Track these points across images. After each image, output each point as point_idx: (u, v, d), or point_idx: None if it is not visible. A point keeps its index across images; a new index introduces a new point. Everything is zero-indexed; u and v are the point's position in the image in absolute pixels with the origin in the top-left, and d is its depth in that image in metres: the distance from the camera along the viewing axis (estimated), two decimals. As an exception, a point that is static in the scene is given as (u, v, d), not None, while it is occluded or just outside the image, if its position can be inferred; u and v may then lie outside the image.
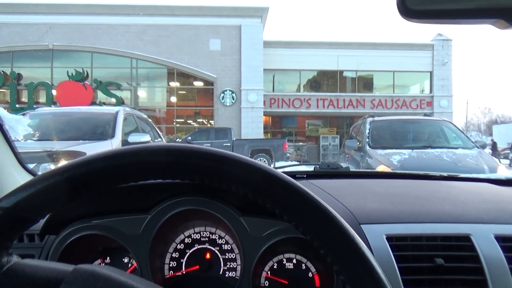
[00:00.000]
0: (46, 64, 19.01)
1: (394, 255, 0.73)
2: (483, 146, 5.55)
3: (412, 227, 0.79)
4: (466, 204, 0.91)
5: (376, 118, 6.18)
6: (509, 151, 30.64)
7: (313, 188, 1.05)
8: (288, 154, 15.18)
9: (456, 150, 5.15)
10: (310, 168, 1.49)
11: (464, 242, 0.76)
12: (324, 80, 22.29)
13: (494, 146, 19.65)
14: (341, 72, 21.82)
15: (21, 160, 1.02)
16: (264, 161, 13.17)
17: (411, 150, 5.06)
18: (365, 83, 22.36)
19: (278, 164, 12.03)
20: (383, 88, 22.28)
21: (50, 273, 0.37)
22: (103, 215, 0.77)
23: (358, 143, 6.00)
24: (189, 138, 14.17)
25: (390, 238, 0.76)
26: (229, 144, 13.93)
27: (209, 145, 13.14)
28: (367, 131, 5.74)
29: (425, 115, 7.00)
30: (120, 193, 0.78)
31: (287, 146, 14.61)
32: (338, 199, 0.92)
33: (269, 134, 21.79)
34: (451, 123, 6.35)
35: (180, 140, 16.04)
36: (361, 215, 0.82)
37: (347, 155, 6.79)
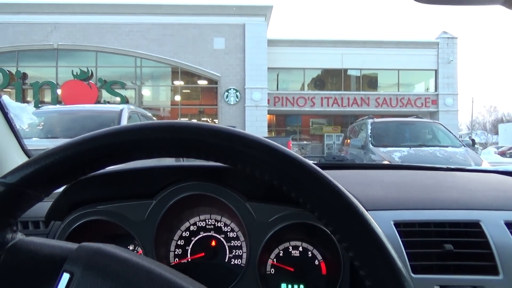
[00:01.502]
0: (51, 63, 19.12)
1: (402, 241, 0.72)
2: (469, 145, 6.29)
3: (420, 213, 0.77)
4: (474, 192, 0.90)
5: (376, 120, 6.89)
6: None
7: None
8: (293, 153, 15.11)
9: (447, 148, 5.82)
10: (315, 161, 1.48)
11: (473, 228, 0.74)
12: (329, 79, 22.23)
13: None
14: (346, 70, 21.75)
15: (26, 148, 1.01)
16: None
17: (409, 148, 5.74)
18: (370, 81, 22.27)
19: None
20: (387, 86, 22.19)
21: (55, 250, 0.37)
22: (108, 200, 0.77)
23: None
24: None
25: (397, 224, 0.75)
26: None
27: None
28: (369, 131, 6.39)
29: (417, 116, 7.72)
30: (126, 178, 0.78)
31: (291, 144, 14.58)
32: (345, 187, 0.91)
33: (273, 133, 21.77)
34: (441, 124, 7.14)
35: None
36: (368, 201, 0.81)
37: (343, 153, 7.53)
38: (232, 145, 0.41)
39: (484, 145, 35.22)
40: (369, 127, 6.51)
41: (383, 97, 21.40)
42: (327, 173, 1.18)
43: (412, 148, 5.74)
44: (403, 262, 0.69)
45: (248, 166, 0.42)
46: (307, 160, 0.43)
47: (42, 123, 4.82)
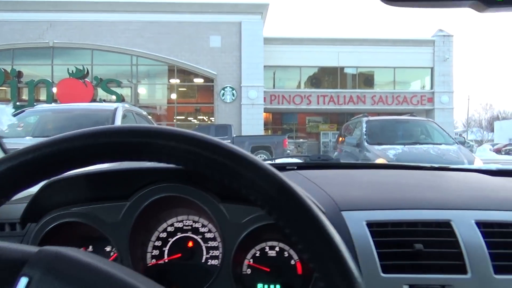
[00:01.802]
0: (46, 61, 19.04)
1: (374, 241, 0.73)
2: (462, 142, 6.47)
3: (393, 213, 0.79)
4: (449, 191, 0.92)
5: (371, 118, 7.03)
6: (510, 148, 30.66)
7: (300, 178, 1.05)
8: (289, 151, 15.15)
9: (440, 146, 5.92)
10: (302, 161, 1.50)
11: (444, 228, 0.76)
12: (325, 77, 22.25)
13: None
14: (342, 68, 21.77)
15: (4, 147, 1.02)
16: (264, 158, 13.17)
17: (403, 146, 5.83)
18: (366, 79, 22.30)
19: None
20: (383, 84, 22.23)
21: (15, 254, 0.36)
22: (83, 202, 0.77)
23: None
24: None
25: (370, 224, 0.76)
26: (229, 141, 13.77)
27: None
28: (364, 129, 6.47)
29: (411, 115, 7.77)
30: (101, 180, 0.78)
31: (287, 142, 14.60)
32: (322, 187, 0.92)
33: (269, 131, 21.77)
34: (434, 122, 7.36)
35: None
36: (343, 202, 0.82)
37: (338, 151, 7.84)
38: (190, 148, 0.42)
39: (480, 142, 35.41)
40: (364, 125, 6.59)
41: (379, 95, 21.44)
42: (310, 173, 1.19)
43: (406, 146, 5.82)
44: (373, 262, 0.70)
45: (205, 169, 0.43)
46: (256, 158, 0.44)
47: (36, 126, 4.81)
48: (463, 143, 6.46)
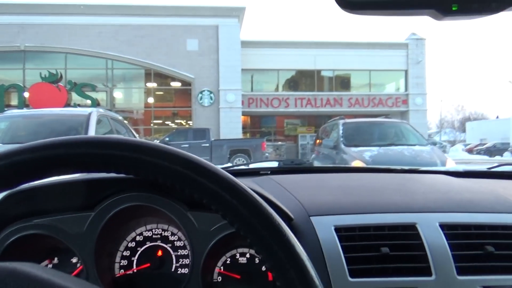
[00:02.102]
0: (17, 65, 18.49)
1: (342, 245, 0.74)
2: (434, 143, 6.70)
3: (361, 217, 0.79)
4: (415, 194, 0.93)
5: (347, 120, 7.10)
6: (481, 148, 31.71)
7: (271, 183, 1.05)
8: (267, 154, 15.20)
9: (414, 147, 6.07)
10: (276, 164, 1.50)
11: (410, 231, 0.77)
12: (302, 80, 22.45)
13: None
14: (319, 71, 22.02)
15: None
16: (243, 161, 13.17)
17: (378, 147, 5.94)
18: (342, 82, 22.64)
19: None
20: (359, 87, 22.61)
21: None
22: (46, 213, 0.75)
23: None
24: (167, 139, 14.01)
25: (338, 229, 0.76)
26: (208, 145, 13.84)
27: (187, 146, 13.03)
28: (341, 132, 6.57)
29: (386, 116, 8.19)
30: (64, 190, 0.76)
31: (265, 145, 14.64)
32: (292, 193, 0.92)
33: (248, 134, 21.79)
34: (408, 124, 7.48)
35: (158, 141, 15.84)
36: (312, 207, 0.82)
37: (315, 153, 7.94)
38: (141, 156, 0.42)
39: (453, 143, 36.46)
40: (341, 127, 6.69)
41: (356, 97, 21.79)
42: (282, 177, 1.19)
43: (381, 148, 5.94)
44: (341, 266, 0.71)
45: (157, 176, 0.42)
46: (216, 167, 0.44)
47: (7, 132, 4.65)
48: (435, 144, 6.66)
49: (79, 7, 18.04)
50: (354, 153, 5.85)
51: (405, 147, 6.05)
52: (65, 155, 0.41)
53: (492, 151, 29.49)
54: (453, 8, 0.56)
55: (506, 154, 24.27)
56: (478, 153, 30.21)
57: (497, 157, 24.62)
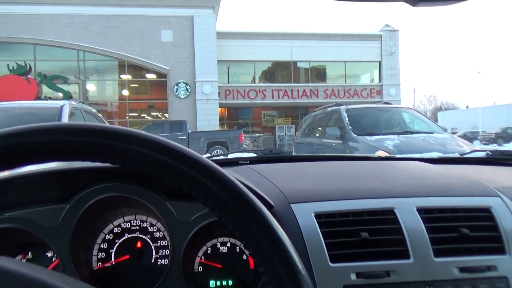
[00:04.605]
0: (-17, 57, 17.74)
1: (322, 231, 0.74)
2: (446, 131, 5.94)
3: (340, 204, 0.80)
4: (393, 180, 0.95)
5: (350, 107, 6.29)
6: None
7: (251, 172, 1.04)
8: (245, 146, 15.20)
9: (434, 135, 5.41)
10: (254, 155, 1.50)
11: (388, 216, 0.78)
12: (279, 71, 22.49)
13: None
14: (295, 63, 22.11)
15: None
16: (221, 153, 13.13)
17: (397, 135, 5.25)
18: (318, 73, 22.81)
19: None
20: (335, 78, 22.85)
21: None
22: (18, 206, 0.72)
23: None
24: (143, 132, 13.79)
25: (318, 216, 0.77)
26: (185, 137, 13.72)
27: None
28: (346, 119, 5.85)
29: (385, 103, 7.23)
30: (37, 181, 0.74)
31: (243, 137, 14.63)
32: (272, 181, 0.92)
33: (225, 126, 21.72)
34: (416, 110, 6.77)
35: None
36: (292, 195, 0.83)
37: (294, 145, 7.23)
38: (119, 143, 0.40)
39: (425, 132, 37.35)
40: (345, 114, 5.96)
41: (331, 89, 22.02)
42: (262, 167, 1.19)
43: (401, 136, 5.27)
44: (321, 252, 0.72)
45: (133, 163, 0.41)
46: (196, 154, 0.43)
47: None
48: (446, 131, 5.95)
49: (48, -4, 17.39)
50: (371, 142, 5.12)
51: (425, 134, 5.39)
52: (39, 142, 0.40)
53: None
54: (428, -6, 0.57)
55: (475, 142, 25.08)
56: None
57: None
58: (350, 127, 5.68)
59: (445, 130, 5.91)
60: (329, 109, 6.74)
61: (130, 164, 0.42)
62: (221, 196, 0.42)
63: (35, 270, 0.32)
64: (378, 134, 5.38)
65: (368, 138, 5.28)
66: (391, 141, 5.03)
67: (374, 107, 6.74)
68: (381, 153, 4.53)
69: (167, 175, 0.42)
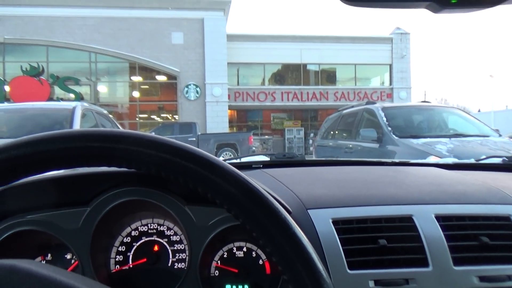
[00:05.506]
0: (-3, 58, 18.05)
1: (340, 238, 0.74)
2: (499, 134, 5.28)
3: (357, 210, 0.80)
4: (410, 187, 0.94)
5: (386, 105, 5.61)
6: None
7: (266, 177, 1.04)
8: (254, 148, 15.21)
9: (492, 138, 4.79)
10: (267, 158, 1.50)
11: (406, 223, 0.78)
12: (288, 74, 22.48)
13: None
14: (305, 65, 22.08)
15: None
16: (230, 155, 13.16)
17: (449, 139, 4.62)
18: (328, 76, 22.75)
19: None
20: (345, 80, 22.76)
21: None
22: (40, 209, 0.73)
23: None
24: (153, 133, 13.83)
25: (336, 222, 0.77)
26: (194, 139, 13.78)
27: (174, 140, 12.97)
28: (384, 120, 5.14)
29: (424, 101, 6.61)
30: (58, 185, 0.75)
31: (252, 139, 14.64)
32: (288, 186, 0.92)
33: (234, 128, 21.75)
34: (461, 109, 6.08)
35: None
36: (309, 200, 0.82)
37: (314, 148, 6.62)
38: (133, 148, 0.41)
39: (436, 136, 36.97)
40: (382, 114, 5.21)
41: (341, 91, 21.93)
42: (276, 171, 1.18)
43: (452, 139, 4.62)
44: (339, 259, 0.71)
45: (151, 168, 0.41)
46: (221, 161, 0.43)
47: None
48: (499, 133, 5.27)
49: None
50: (418, 146, 4.44)
51: (481, 138, 4.72)
52: (64, 149, 0.40)
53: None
54: (452, 1, 0.56)
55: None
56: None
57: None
58: (389, 128, 4.96)
59: (498, 133, 5.19)
60: (360, 107, 6.04)
61: (155, 170, 0.42)
62: (245, 204, 0.42)
63: (61, 274, 0.33)
64: (425, 137, 4.70)
65: (414, 141, 4.60)
66: (443, 145, 4.37)
67: (415, 105, 5.94)
68: (433, 159, 3.84)
69: (192, 181, 0.42)
